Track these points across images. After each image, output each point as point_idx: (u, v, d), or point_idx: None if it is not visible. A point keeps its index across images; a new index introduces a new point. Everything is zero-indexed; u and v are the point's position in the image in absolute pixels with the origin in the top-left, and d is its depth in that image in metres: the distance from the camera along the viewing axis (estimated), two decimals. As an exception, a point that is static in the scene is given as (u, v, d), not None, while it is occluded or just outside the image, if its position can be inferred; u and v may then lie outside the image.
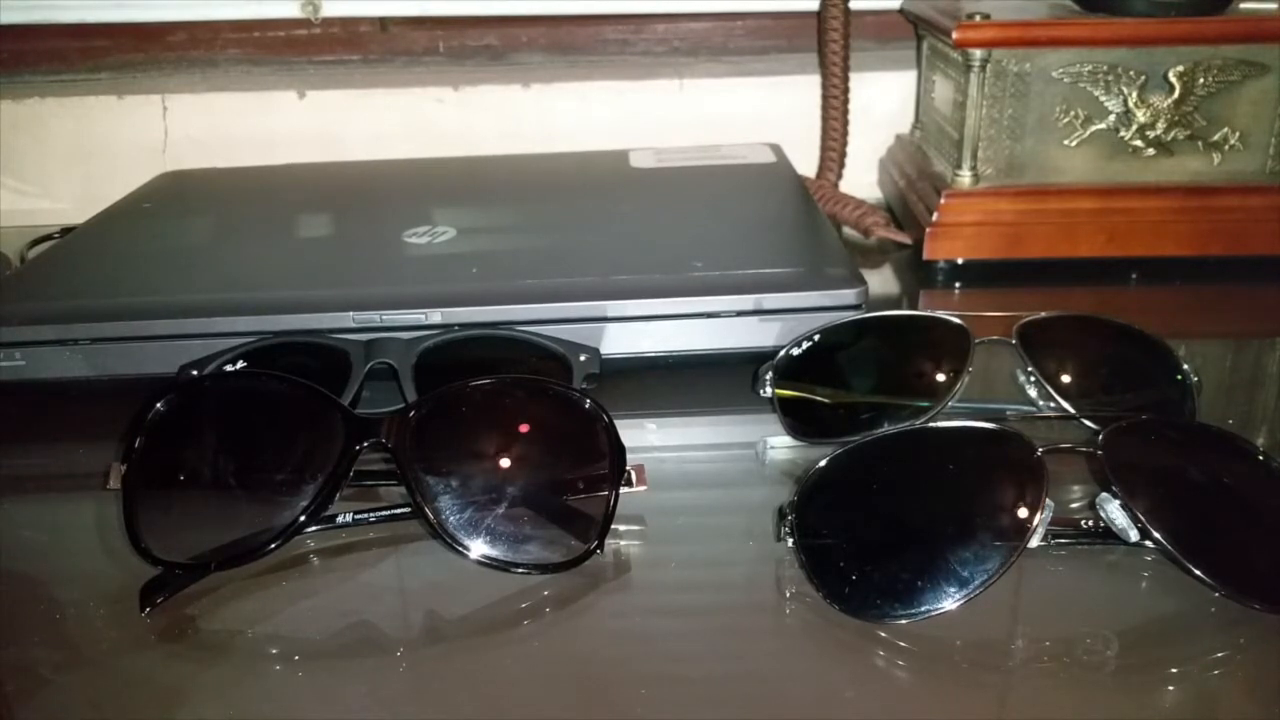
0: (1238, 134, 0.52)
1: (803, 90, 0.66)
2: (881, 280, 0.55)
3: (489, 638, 0.30)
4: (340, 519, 0.34)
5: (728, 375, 0.42)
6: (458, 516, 0.32)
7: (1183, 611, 0.30)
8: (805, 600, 0.31)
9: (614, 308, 0.41)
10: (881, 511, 0.31)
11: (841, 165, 0.63)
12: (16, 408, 0.43)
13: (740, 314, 0.42)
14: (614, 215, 0.52)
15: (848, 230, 0.60)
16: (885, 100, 0.66)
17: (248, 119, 0.68)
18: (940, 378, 0.38)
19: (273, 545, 0.31)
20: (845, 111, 0.61)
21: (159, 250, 0.50)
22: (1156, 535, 0.29)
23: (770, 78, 0.68)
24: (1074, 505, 0.34)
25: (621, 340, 0.42)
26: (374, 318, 0.41)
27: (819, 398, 0.39)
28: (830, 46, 0.60)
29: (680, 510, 0.36)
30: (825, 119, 0.62)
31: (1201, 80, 0.51)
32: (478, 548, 0.32)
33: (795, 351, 0.39)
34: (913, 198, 0.57)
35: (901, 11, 0.64)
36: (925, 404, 0.38)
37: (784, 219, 0.51)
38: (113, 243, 0.51)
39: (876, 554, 0.30)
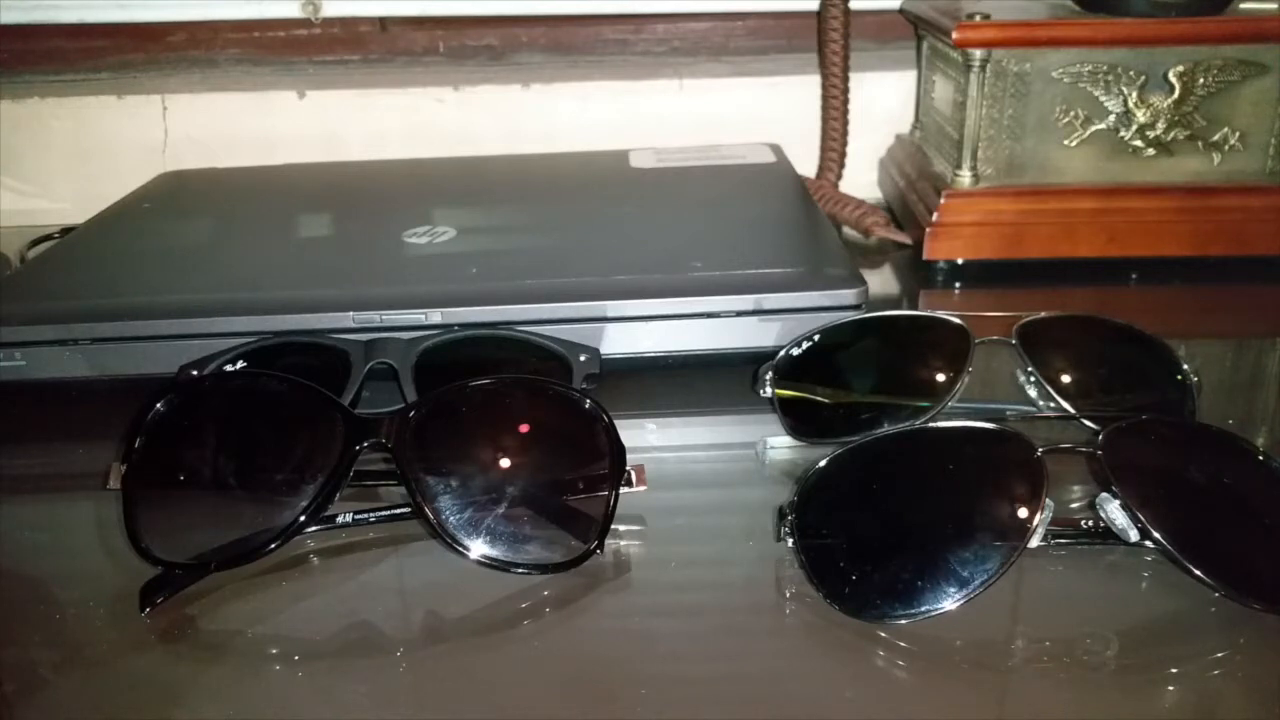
0: (1238, 134, 0.52)
1: (803, 90, 0.66)
2: (881, 280, 0.55)
3: (489, 638, 0.30)
4: (340, 519, 0.34)
5: (728, 375, 0.42)
6: (458, 516, 0.32)
7: (1183, 611, 0.30)
8: (805, 600, 0.31)
9: (614, 308, 0.41)
10: (881, 511, 0.31)
11: (841, 165, 0.63)
12: (16, 408, 0.43)
13: (740, 314, 0.42)
14: (614, 215, 0.52)
15: (848, 230, 0.60)
16: (885, 100, 0.66)
17: (248, 119, 0.68)
18: (940, 378, 0.38)
19: (273, 545, 0.31)
20: (845, 111, 0.61)
21: (159, 250, 0.50)
22: (1156, 535, 0.29)
23: (770, 78, 0.68)
24: (1074, 505, 0.34)
25: (621, 340, 0.42)
26: (374, 318, 0.41)
27: (819, 398, 0.39)
28: (830, 46, 0.60)
29: (680, 510, 0.36)
30: (825, 119, 0.62)
31: (1201, 80, 0.51)
32: (478, 548, 0.32)
33: (795, 351, 0.39)
34: (913, 198, 0.57)
35: (901, 11, 0.64)
36: (925, 404, 0.38)
37: (784, 219, 0.51)
38: (113, 243, 0.51)
39: (876, 554, 0.30)
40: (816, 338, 0.40)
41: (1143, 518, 0.30)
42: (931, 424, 0.37)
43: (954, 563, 0.29)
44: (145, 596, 0.31)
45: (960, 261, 0.54)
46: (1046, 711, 0.27)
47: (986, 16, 0.50)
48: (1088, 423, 0.37)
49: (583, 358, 0.40)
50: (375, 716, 0.27)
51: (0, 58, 0.69)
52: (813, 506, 0.31)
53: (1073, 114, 0.52)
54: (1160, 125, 0.52)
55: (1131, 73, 0.51)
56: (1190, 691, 0.28)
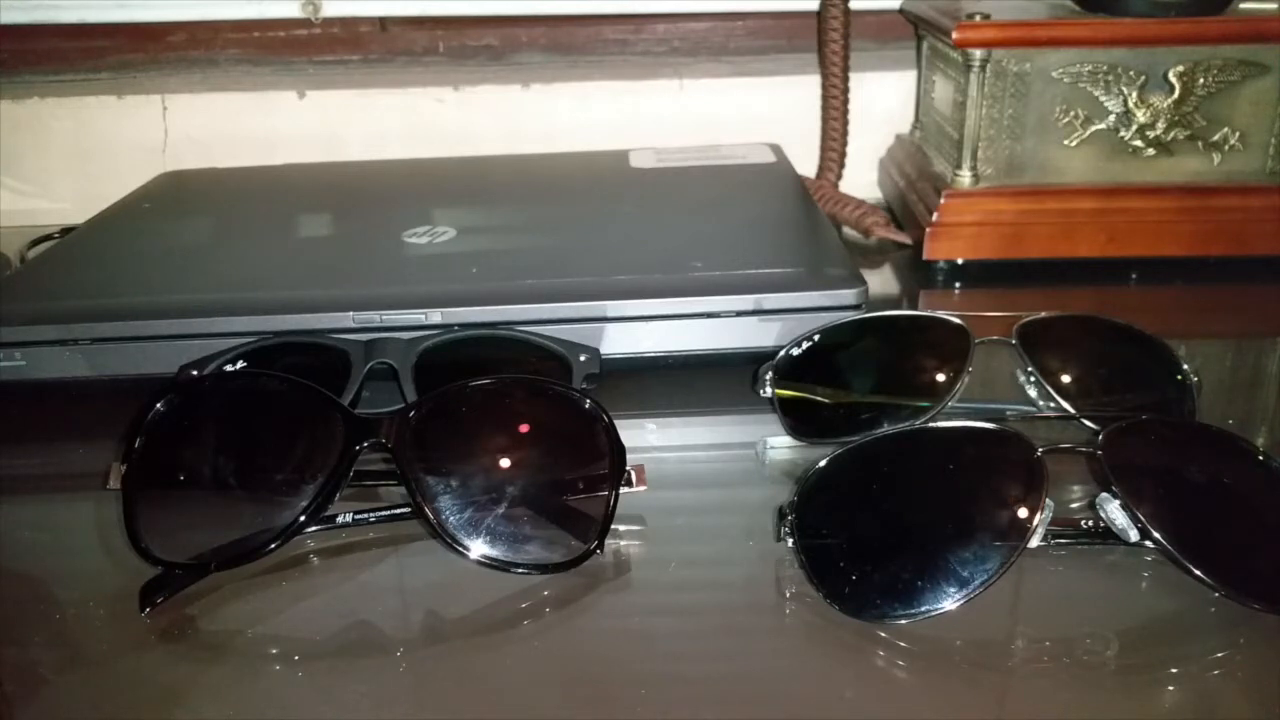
0: (1238, 134, 0.52)
1: (803, 90, 0.66)
2: (881, 280, 0.55)
3: (489, 638, 0.30)
4: (340, 519, 0.34)
5: (728, 375, 0.42)
6: (458, 516, 0.32)
7: (1183, 611, 0.30)
8: (805, 600, 0.31)
9: (614, 308, 0.41)
10: (881, 511, 0.31)
11: (841, 165, 0.63)
12: (16, 408, 0.43)
13: (740, 314, 0.42)
14: (614, 215, 0.52)
15: (848, 230, 0.60)
16: (885, 100, 0.66)
17: (248, 119, 0.68)
18: (940, 378, 0.38)
19: (273, 545, 0.31)
20: (845, 111, 0.61)
21: (159, 250, 0.50)
22: (1156, 535, 0.29)
23: (770, 78, 0.68)
24: (1074, 505, 0.34)
25: (621, 340, 0.42)
26: (374, 318, 0.41)
27: (819, 398, 0.39)
28: (830, 46, 0.60)
29: (680, 510, 0.36)
30: (825, 119, 0.62)
31: (1201, 80, 0.51)
32: (478, 548, 0.32)
33: (795, 351, 0.39)
34: (913, 198, 0.57)
35: (901, 11, 0.64)
36: (925, 404, 0.38)
37: (784, 219, 0.51)
38: (113, 243, 0.51)
39: (876, 554, 0.30)
40: (816, 338, 0.40)
41: (1143, 518, 0.30)
42: (931, 424, 0.37)
43: (954, 563, 0.29)
44: (145, 596, 0.31)
45: (960, 261, 0.54)
46: (1046, 711, 0.27)
47: (986, 16, 0.50)
48: (1088, 423, 0.37)
49: (583, 358, 0.40)
50: (375, 716, 0.27)
51: (0, 58, 0.69)
52: (813, 506, 0.31)
53: (1073, 114, 0.52)
54: (1160, 125, 0.52)
55: (1131, 73, 0.51)
56: (1190, 691, 0.28)
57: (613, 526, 0.33)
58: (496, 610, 0.31)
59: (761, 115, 0.68)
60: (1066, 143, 0.52)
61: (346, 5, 0.69)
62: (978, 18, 0.50)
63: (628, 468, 0.33)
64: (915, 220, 0.55)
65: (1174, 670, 0.28)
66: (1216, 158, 0.52)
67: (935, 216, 0.53)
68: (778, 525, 0.31)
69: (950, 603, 0.29)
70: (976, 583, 0.29)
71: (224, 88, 0.69)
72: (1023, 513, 0.30)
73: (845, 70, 0.61)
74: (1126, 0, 0.51)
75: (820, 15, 0.61)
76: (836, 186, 0.62)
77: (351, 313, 0.41)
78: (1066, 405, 0.38)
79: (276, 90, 0.68)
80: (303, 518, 0.32)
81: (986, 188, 0.53)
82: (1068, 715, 0.27)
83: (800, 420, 0.39)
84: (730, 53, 0.71)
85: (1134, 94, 0.51)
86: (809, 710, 0.27)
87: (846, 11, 0.60)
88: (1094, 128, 0.52)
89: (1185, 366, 0.38)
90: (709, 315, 0.42)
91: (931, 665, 0.29)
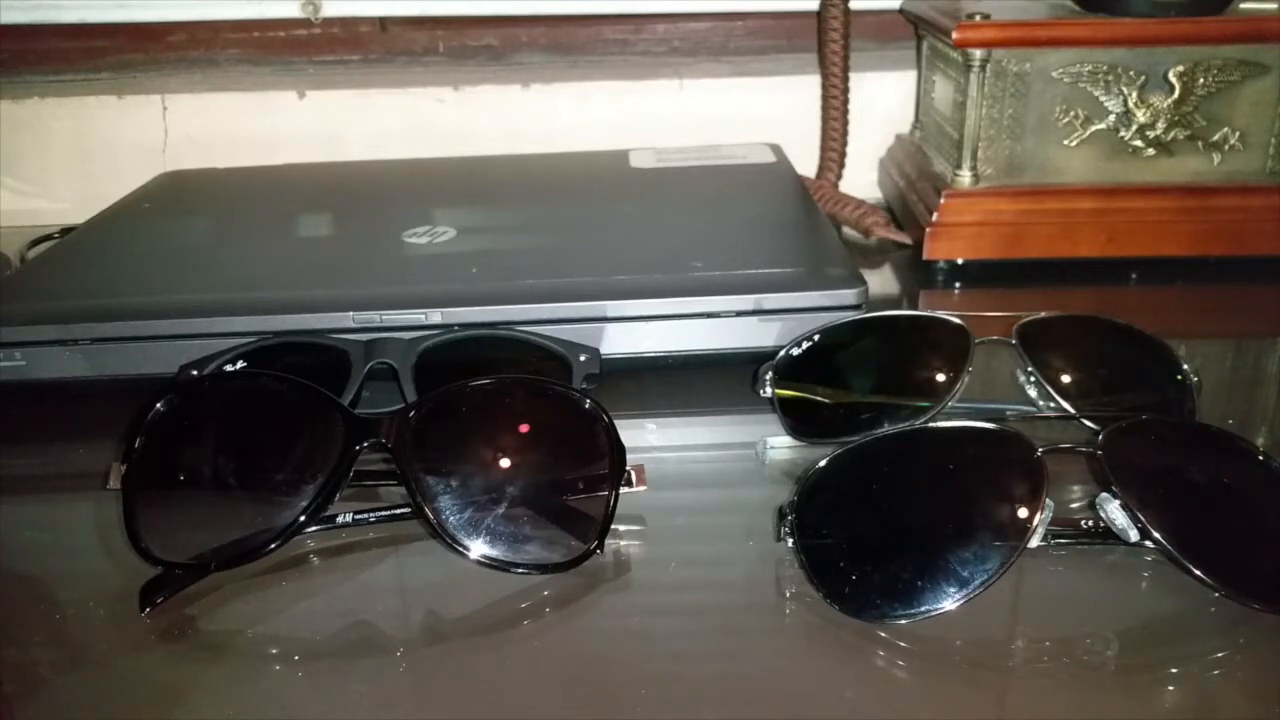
0: (1238, 134, 0.52)
1: (803, 90, 0.66)
2: (881, 280, 0.55)
3: (489, 638, 0.30)
4: (340, 519, 0.34)
5: (728, 375, 0.42)
6: (458, 516, 0.32)
7: (1183, 611, 0.30)
8: (805, 600, 0.31)
9: (614, 308, 0.41)
10: (881, 511, 0.31)
11: (841, 165, 0.63)
12: (16, 408, 0.43)
13: (740, 314, 0.42)
14: (614, 215, 0.52)
15: (848, 230, 0.60)
16: (885, 100, 0.66)
17: (248, 119, 0.68)
18: (940, 378, 0.38)
19: (273, 545, 0.31)
20: (845, 111, 0.61)
21: (159, 250, 0.50)
22: (1156, 535, 0.29)
23: (770, 78, 0.68)
24: (1074, 505, 0.34)
25: (621, 340, 0.42)
26: (374, 318, 0.41)
27: (819, 398, 0.39)
28: (830, 46, 0.60)
29: (680, 510, 0.36)
30: (825, 119, 0.62)
31: (1201, 80, 0.51)
32: (478, 548, 0.32)
33: (795, 351, 0.39)
34: (913, 198, 0.57)
35: (901, 11, 0.64)
36: (925, 404, 0.38)
37: (784, 219, 0.51)
38: (113, 243, 0.51)
39: (876, 554, 0.30)
40: (816, 338, 0.40)
41: (1143, 518, 0.30)
42: (931, 424, 0.37)
43: (954, 563, 0.29)
44: (145, 596, 0.31)
45: (960, 261, 0.54)
46: (1046, 711, 0.27)
47: (986, 16, 0.50)
48: (1088, 423, 0.37)
49: (583, 358, 0.40)
50: (375, 717, 0.27)
51: (0, 58, 0.69)
52: (813, 506, 0.31)
53: (1073, 114, 0.52)
54: (1160, 125, 0.52)
55: (1131, 73, 0.51)
56: (1190, 691, 0.28)
57: (613, 526, 0.33)
58: (496, 610, 0.31)
59: (761, 115, 0.68)
60: (1066, 143, 0.52)
61: (346, 5, 0.68)
62: (978, 18, 0.50)
63: (628, 468, 0.33)
64: (915, 220, 0.55)
65: (1174, 670, 0.28)
66: (1216, 158, 0.52)
67: (935, 216, 0.53)
68: (778, 525, 0.31)
69: (950, 603, 0.29)
70: (976, 583, 0.29)
71: (224, 88, 0.69)
72: (1023, 513, 0.30)
73: (845, 70, 0.61)
74: (1126, 0, 0.51)
75: (820, 15, 0.61)
76: (836, 186, 0.62)
77: (351, 313, 0.41)
78: (1066, 405, 0.38)
79: (276, 90, 0.68)
80: (303, 518, 0.32)
81: (986, 188, 0.53)
82: (1068, 715, 0.27)
83: (800, 420, 0.39)
84: (730, 53, 0.71)
85: (1134, 94, 0.51)
86: (809, 710, 0.27)
87: (846, 11, 0.60)
88: (1094, 128, 0.52)
89: (1185, 366, 0.38)
90: (709, 315, 0.42)
91: (931, 665, 0.29)
